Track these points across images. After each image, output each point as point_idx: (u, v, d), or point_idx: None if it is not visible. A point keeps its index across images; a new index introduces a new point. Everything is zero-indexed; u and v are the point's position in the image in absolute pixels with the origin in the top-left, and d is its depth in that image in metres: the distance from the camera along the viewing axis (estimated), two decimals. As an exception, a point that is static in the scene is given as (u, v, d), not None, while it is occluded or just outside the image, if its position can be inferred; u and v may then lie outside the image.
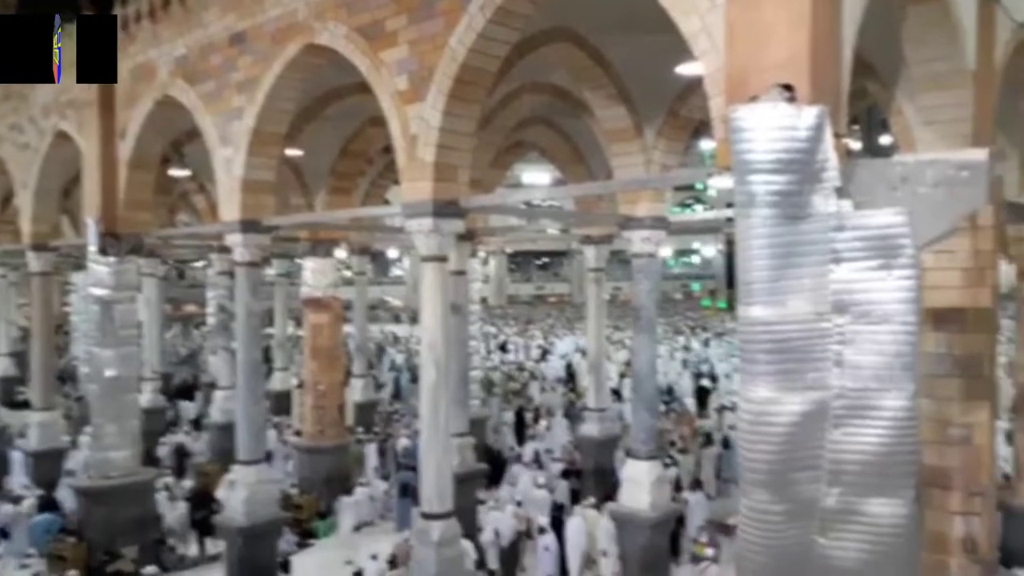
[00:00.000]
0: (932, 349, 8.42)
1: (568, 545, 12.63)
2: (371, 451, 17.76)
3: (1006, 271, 13.32)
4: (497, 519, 13.37)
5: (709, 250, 70.28)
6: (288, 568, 13.26)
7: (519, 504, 13.91)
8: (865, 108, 20.85)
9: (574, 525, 12.86)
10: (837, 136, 4.98)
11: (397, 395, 26.28)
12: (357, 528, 14.61)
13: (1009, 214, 10.82)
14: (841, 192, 4.92)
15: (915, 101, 8.45)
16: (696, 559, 12.11)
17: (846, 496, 5.01)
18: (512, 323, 50.75)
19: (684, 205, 57.07)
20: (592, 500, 13.33)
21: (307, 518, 15.61)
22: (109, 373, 13.91)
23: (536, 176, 40.77)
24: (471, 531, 13.25)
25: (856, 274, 4.87)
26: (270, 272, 26.09)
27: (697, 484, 15.37)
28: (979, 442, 8.45)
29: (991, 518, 8.72)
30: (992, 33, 8.36)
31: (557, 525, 13.16)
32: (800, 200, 4.87)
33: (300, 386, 18.58)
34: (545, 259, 77.90)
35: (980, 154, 5.02)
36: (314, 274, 16.91)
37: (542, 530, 12.59)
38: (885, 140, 32.65)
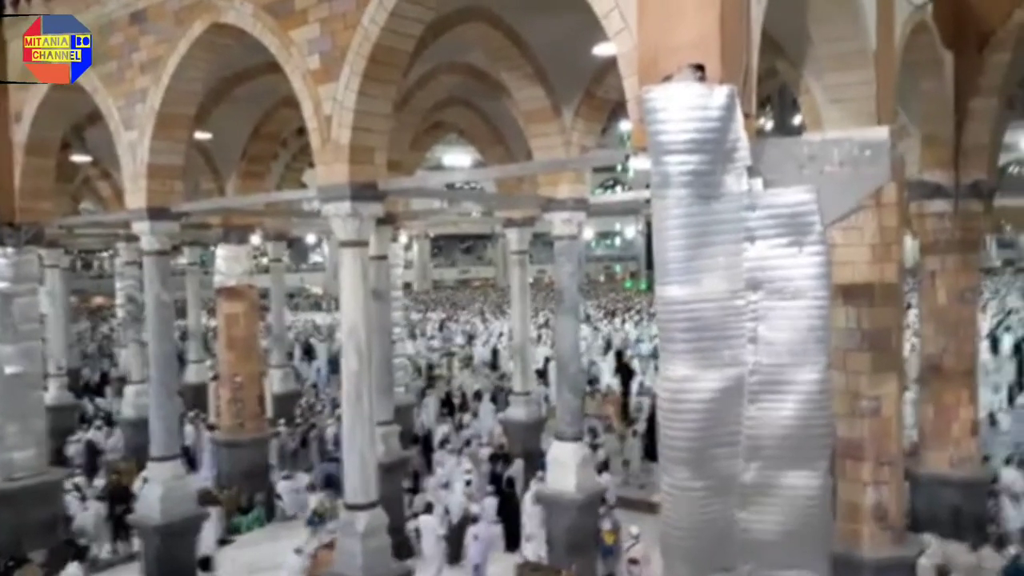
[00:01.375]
0: (843, 324, 8.70)
1: (525, 516, 13.03)
2: (273, 447, 17.32)
3: (910, 246, 13.96)
4: (445, 497, 13.67)
5: (630, 232, 71.48)
6: (209, 565, 12.89)
7: (468, 483, 14.18)
8: (777, 88, 21.40)
9: (530, 497, 13.08)
10: (747, 116, 5.03)
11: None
12: (222, 542, 14.31)
13: (912, 191, 11.29)
14: (752, 171, 4.96)
15: (822, 80, 8.66)
16: (607, 550, 12.19)
17: (764, 470, 5.09)
18: (440, 309, 50.52)
19: (605, 187, 57.77)
20: (540, 474, 13.40)
21: (228, 514, 15.21)
22: (10, 370, 13.22)
23: (457, 158, 40.51)
24: (398, 521, 13.18)
25: (768, 251, 4.93)
26: (182, 261, 25.21)
27: (605, 466, 15.49)
28: (888, 413, 8.78)
29: (900, 486, 9.10)
30: (891, 14, 8.64)
31: (510, 500, 13.62)
32: (713, 180, 4.89)
33: (216, 378, 17.99)
34: (469, 243, 77.78)
35: (882, 132, 5.14)
36: (227, 262, 16.30)
37: (474, 519, 12.44)
38: (797, 120, 33.68)
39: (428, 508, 13.36)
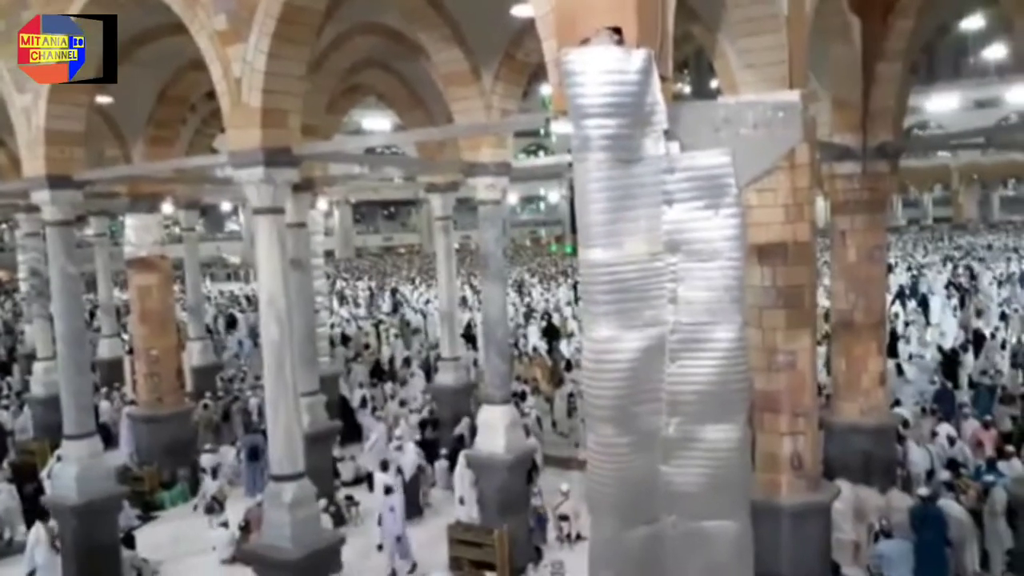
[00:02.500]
0: (759, 282, 8.95)
1: (456, 479, 13.15)
2: (197, 420, 16.90)
3: (822, 207, 14.44)
4: (398, 458, 13.67)
5: (554, 196, 71.63)
6: (132, 543, 12.56)
7: (418, 443, 14.42)
8: (694, 52, 21.65)
9: (461, 461, 13.04)
10: (664, 79, 5.05)
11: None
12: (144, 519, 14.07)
13: (823, 153, 11.64)
14: (669, 135, 5.01)
15: (736, 45, 8.77)
16: (539, 517, 12.42)
17: (685, 425, 5.22)
18: (367, 276, 49.82)
19: (528, 151, 57.63)
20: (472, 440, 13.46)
21: (150, 490, 14.85)
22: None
23: (377, 122, 39.60)
24: (328, 488, 13.09)
25: (686, 214, 5.00)
26: (89, 232, 24.15)
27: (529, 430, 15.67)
28: (802, 367, 9.10)
29: (814, 436, 9.48)
30: (803, -21, 8.78)
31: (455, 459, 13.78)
32: (632, 144, 4.90)
33: (131, 353, 17.35)
34: (392, 209, 76.72)
35: (794, 96, 5.27)
36: (137, 232, 15.63)
37: (389, 490, 12.14)
38: (715, 84, 34.15)
39: (384, 466, 13.21)
